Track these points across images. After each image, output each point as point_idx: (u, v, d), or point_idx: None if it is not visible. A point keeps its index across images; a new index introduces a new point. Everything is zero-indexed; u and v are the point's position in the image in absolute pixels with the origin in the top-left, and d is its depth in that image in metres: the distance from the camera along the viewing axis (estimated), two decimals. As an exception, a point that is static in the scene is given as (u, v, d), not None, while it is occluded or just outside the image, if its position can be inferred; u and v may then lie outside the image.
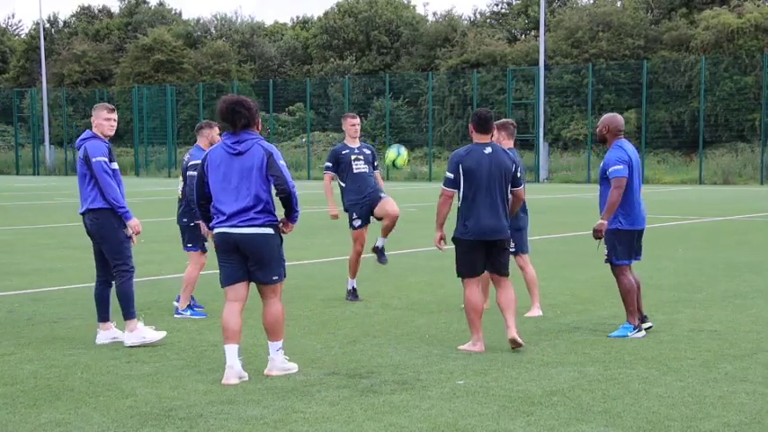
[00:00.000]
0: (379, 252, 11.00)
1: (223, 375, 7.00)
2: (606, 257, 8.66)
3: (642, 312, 8.79)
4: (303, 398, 6.47)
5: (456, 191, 8.06)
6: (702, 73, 44.74)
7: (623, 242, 8.56)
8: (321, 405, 6.29)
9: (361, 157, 10.87)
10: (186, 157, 10.02)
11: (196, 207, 7.44)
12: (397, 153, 11.02)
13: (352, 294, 10.77)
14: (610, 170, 8.46)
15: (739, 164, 43.08)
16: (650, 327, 8.73)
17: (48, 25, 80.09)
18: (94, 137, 8.24)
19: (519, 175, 8.22)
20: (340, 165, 10.87)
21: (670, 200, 30.67)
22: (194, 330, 8.91)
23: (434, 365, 7.43)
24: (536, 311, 9.73)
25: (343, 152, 10.88)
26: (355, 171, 10.80)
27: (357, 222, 10.73)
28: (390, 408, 6.22)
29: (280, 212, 7.20)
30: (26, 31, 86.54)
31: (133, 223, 8.17)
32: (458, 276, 8.21)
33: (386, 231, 10.90)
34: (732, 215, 23.21)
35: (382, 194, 10.83)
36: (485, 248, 8.07)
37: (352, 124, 10.92)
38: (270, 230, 7.05)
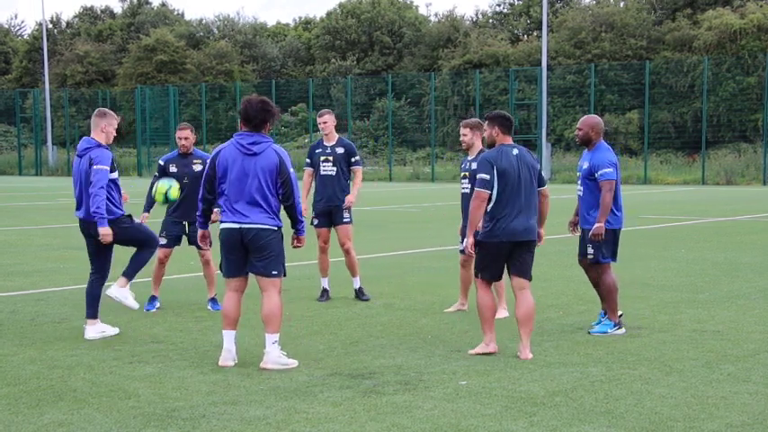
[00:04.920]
0: (357, 292, 10.74)
1: (220, 358, 7.45)
2: (593, 256, 8.75)
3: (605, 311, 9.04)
4: (306, 398, 6.47)
5: (490, 192, 7.84)
6: (705, 73, 44.73)
7: (609, 241, 8.75)
8: (324, 405, 6.29)
9: (331, 157, 10.67)
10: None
11: (200, 203, 7.60)
12: (168, 185, 9.68)
13: (324, 295, 10.74)
14: (600, 172, 8.62)
15: (742, 164, 43.05)
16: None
17: (50, 26, 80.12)
18: (100, 146, 8.50)
19: (543, 174, 8.28)
20: (314, 163, 10.83)
21: (672, 200, 30.66)
22: (197, 331, 8.92)
23: (437, 366, 7.43)
24: (502, 313, 9.60)
25: (316, 151, 10.81)
26: (322, 172, 10.70)
27: (314, 222, 10.76)
28: (393, 408, 6.22)
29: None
30: (29, 31, 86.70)
31: (103, 231, 8.36)
32: (475, 276, 8.14)
33: (351, 269, 10.77)
34: (735, 216, 23.19)
35: (345, 218, 10.66)
36: (510, 250, 7.91)
37: (319, 123, 10.74)
38: (274, 227, 7.36)
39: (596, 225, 8.60)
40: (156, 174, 10.26)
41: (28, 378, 7.07)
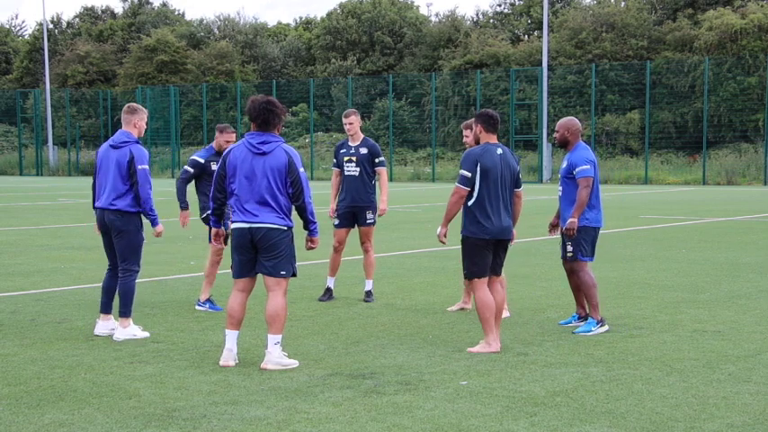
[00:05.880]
0: (366, 294, 10.75)
1: (221, 358, 7.46)
2: (571, 254, 8.84)
3: (586, 310, 9.06)
4: (306, 398, 6.47)
5: (469, 189, 7.98)
6: (706, 73, 44.73)
7: (588, 239, 8.85)
8: (324, 405, 6.29)
9: (355, 157, 10.63)
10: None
11: (211, 202, 7.66)
12: None
13: (327, 294, 10.72)
14: (578, 170, 8.72)
15: (743, 164, 43.08)
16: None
17: (51, 26, 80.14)
18: (138, 142, 8.65)
19: (521, 176, 8.33)
20: (339, 163, 10.81)
21: (673, 200, 30.67)
22: (197, 331, 8.92)
23: (438, 366, 7.43)
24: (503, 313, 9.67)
25: (341, 151, 10.80)
26: (346, 173, 10.69)
27: (335, 222, 10.74)
28: (393, 408, 6.22)
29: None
30: (30, 31, 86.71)
31: (159, 229, 8.72)
32: (467, 278, 8.17)
33: (366, 269, 10.79)
34: (735, 216, 23.19)
35: (369, 219, 10.67)
36: (493, 247, 8.07)
37: (344, 123, 10.71)
38: (284, 227, 7.33)
39: (570, 220, 8.71)
40: (190, 169, 10.08)
41: (29, 378, 7.07)
